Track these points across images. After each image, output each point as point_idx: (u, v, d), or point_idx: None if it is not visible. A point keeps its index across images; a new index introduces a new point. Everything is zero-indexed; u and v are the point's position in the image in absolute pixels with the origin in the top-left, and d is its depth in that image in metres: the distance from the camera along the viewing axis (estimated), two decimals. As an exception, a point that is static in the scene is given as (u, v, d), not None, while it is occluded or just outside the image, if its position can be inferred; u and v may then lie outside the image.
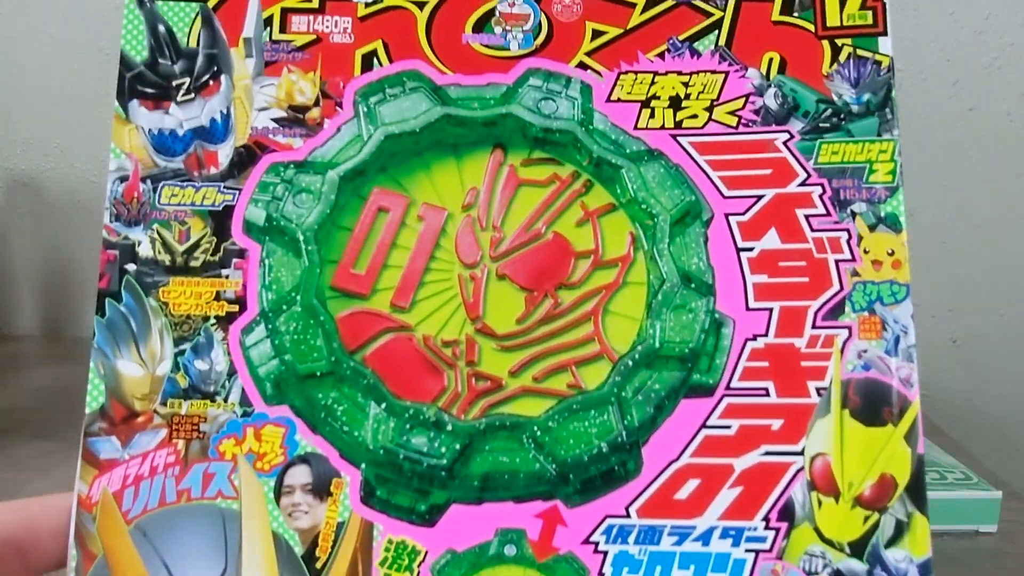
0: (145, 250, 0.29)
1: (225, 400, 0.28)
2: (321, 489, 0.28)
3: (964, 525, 0.48)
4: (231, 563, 0.27)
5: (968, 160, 0.84)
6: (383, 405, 0.28)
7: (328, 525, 0.28)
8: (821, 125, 0.29)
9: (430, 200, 0.30)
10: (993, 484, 0.55)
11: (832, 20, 0.29)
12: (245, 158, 0.29)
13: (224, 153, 0.29)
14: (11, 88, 0.89)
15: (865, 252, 0.28)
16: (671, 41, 0.30)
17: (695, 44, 0.30)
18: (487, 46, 0.30)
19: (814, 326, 0.28)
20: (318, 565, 0.27)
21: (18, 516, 0.26)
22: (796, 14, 0.30)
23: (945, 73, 0.82)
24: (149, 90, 0.30)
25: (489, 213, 0.29)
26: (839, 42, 0.29)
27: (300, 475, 0.28)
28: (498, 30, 0.30)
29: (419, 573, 0.27)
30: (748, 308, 0.28)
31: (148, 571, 0.27)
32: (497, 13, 0.30)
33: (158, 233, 0.29)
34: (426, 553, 0.27)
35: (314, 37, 0.30)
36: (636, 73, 0.29)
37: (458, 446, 0.28)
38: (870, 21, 0.29)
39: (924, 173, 0.83)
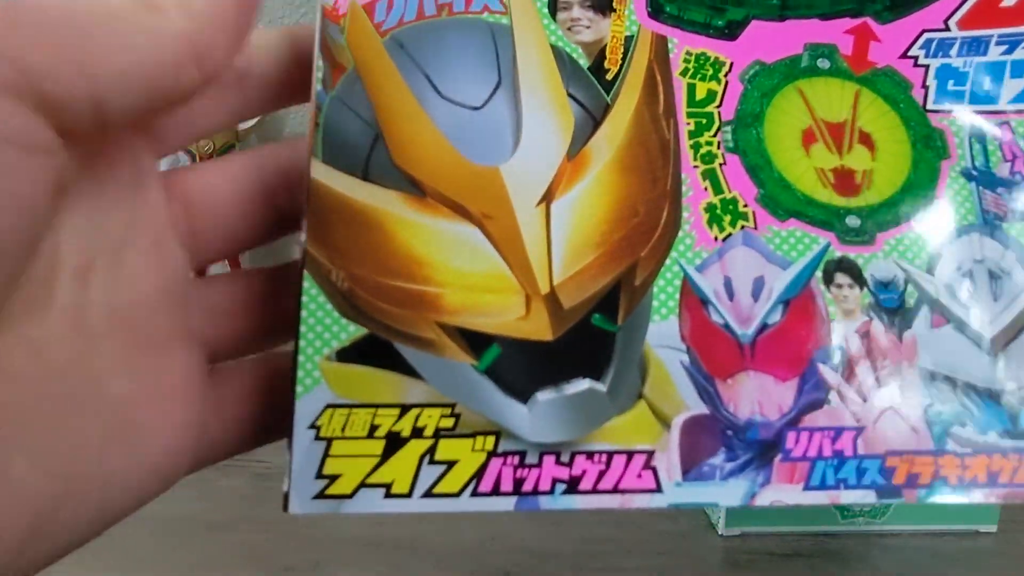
0: None
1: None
2: (603, 5, 0.24)
3: (964, 525, 0.45)
4: (505, 75, 0.23)
5: None
6: None
7: (615, 39, 0.24)
8: None
9: None
10: (994, 484, 0.53)
11: None
12: None
13: None
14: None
15: None
16: None
17: None
18: None
19: None
20: (608, 77, 0.24)
21: None
22: None
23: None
24: None
25: None
26: None
27: (576, -8, 0.24)
28: None
29: (727, 82, 0.24)
30: None
31: (407, 82, 0.23)
32: None
33: None
34: (732, 64, 0.24)
35: None
36: None
37: None
38: None
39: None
